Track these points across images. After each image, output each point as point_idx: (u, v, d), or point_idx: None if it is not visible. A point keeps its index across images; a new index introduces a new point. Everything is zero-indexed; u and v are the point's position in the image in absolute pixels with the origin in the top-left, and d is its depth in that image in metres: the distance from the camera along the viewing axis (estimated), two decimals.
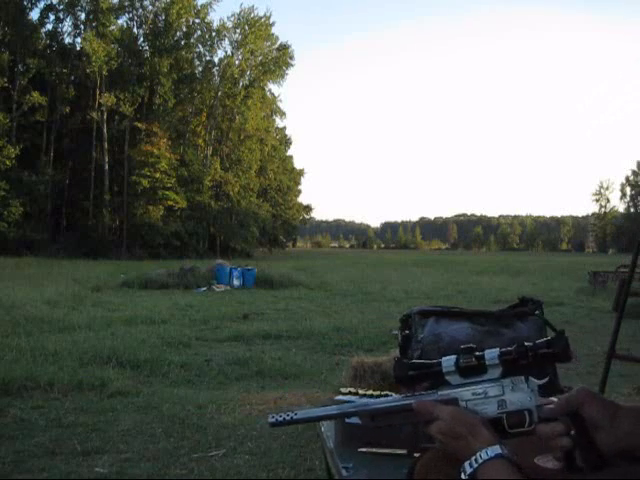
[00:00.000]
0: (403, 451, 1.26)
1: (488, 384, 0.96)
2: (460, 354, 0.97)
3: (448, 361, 0.97)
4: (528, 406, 0.95)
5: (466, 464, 0.85)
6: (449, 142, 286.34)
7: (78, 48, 37.51)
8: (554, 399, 0.95)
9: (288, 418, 1.01)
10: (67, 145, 37.70)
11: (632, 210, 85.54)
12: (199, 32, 41.23)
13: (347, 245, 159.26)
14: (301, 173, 59.13)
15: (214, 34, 41.58)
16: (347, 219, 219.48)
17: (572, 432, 0.90)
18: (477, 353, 0.96)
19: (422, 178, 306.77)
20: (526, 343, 0.97)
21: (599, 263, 26.35)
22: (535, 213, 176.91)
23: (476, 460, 0.83)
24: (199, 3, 40.35)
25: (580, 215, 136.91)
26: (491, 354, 0.96)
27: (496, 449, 0.84)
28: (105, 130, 36.35)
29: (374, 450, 1.29)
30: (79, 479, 3.13)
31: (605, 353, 3.97)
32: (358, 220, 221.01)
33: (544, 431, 0.91)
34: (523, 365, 0.96)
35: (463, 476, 0.84)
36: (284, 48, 43.46)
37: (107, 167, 36.69)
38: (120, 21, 39.08)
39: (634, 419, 0.88)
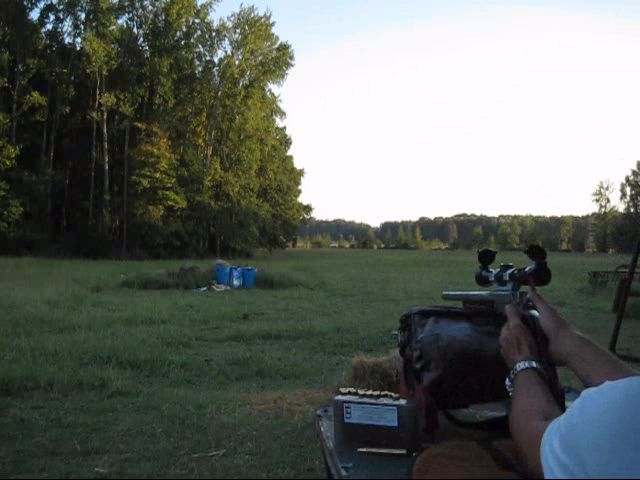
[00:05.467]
0: (403, 451, 1.26)
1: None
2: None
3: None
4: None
5: (510, 373, 1.03)
6: (449, 142, 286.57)
7: (78, 48, 37.52)
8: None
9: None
10: (67, 145, 37.67)
11: (632, 210, 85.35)
12: (199, 32, 41.26)
13: (347, 245, 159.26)
14: (301, 173, 59.22)
15: (214, 34, 41.60)
16: (347, 219, 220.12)
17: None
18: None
19: (422, 178, 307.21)
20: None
21: (599, 263, 26.31)
22: (535, 213, 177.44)
23: (514, 371, 1.01)
24: (199, 3, 40.44)
25: (580, 215, 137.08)
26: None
27: (531, 363, 1.00)
28: (105, 130, 36.34)
29: (374, 450, 1.28)
30: (79, 479, 3.12)
31: None
32: (358, 220, 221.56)
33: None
34: None
35: (507, 382, 1.02)
36: (284, 48, 43.46)
37: (107, 167, 36.69)
38: (120, 21, 39.14)
39: (578, 343, 0.99)
